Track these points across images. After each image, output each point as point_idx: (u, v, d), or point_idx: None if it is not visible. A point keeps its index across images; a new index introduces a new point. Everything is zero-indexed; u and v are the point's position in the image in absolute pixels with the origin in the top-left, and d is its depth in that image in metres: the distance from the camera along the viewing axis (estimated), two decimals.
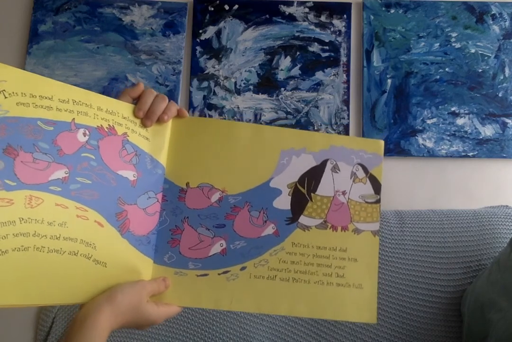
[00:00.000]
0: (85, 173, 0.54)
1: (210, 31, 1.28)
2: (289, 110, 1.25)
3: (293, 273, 0.60)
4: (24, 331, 1.06)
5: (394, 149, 1.22)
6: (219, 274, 0.59)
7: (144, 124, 0.60)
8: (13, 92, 0.50)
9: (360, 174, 0.63)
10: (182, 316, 0.99)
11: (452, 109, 1.24)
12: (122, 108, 0.59)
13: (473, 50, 1.26)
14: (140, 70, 1.26)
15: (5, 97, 0.49)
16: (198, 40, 1.28)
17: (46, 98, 0.52)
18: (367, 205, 0.63)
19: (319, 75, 1.26)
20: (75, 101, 0.54)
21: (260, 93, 1.26)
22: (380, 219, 1.05)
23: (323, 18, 1.28)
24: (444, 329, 0.96)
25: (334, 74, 1.26)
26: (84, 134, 0.55)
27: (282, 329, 0.97)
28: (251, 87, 1.26)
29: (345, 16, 1.28)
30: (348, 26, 1.28)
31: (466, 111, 1.24)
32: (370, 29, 1.27)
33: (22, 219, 0.48)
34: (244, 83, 1.26)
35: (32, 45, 1.26)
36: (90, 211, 0.54)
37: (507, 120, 1.23)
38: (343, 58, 1.27)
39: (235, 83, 1.26)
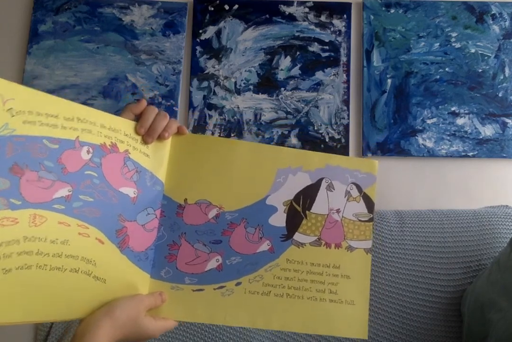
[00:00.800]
0: (87, 190, 0.54)
1: (210, 31, 1.28)
2: (289, 110, 1.25)
3: (287, 289, 0.61)
4: (24, 331, 1.06)
5: (394, 149, 1.22)
6: (214, 289, 0.61)
7: (145, 141, 0.61)
8: (20, 111, 0.50)
9: (354, 192, 0.65)
10: None
11: (452, 109, 1.24)
12: (124, 125, 0.60)
13: (473, 50, 1.26)
14: (140, 70, 1.26)
15: (12, 116, 0.49)
16: (198, 40, 1.28)
17: (52, 116, 0.52)
18: (360, 223, 0.64)
19: (319, 75, 1.26)
20: (80, 119, 0.55)
21: (260, 93, 1.26)
22: (380, 219, 1.05)
23: (323, 18, 1.28)
24: (444, 329, 0.96)
25: (334, 74, 1.26)
26: (88, 152, 0.55)
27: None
28: (251, 87, 1.26)
29: (345, 16, 1.28)
30: (348, 26, 1.28)
31: (466, 111, 1.24)
32: (370, 29, 1.27)
33: (26, 237, 0.49)
34: (244, 83, 1.26)
35: (32, 45, 1.26)
36: (91, 228, 0.54)
37: (507, 120, 1.23)
38: (343, 58, 1.27)
39: (235, 83, 1.26)
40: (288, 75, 1.26)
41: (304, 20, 1.28)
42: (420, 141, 1.23)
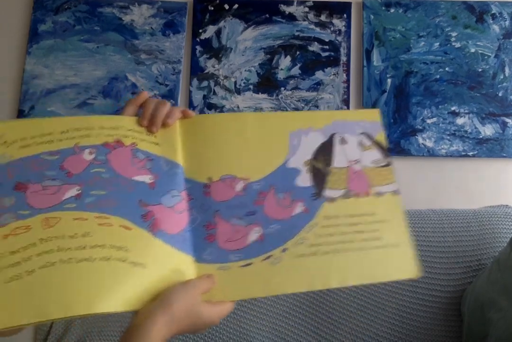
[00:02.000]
0: (98, 185, 0.56)
1: (210, 30, 1.28)
2: (289, 109, 1.25)
3: (332, 245, 0.60)
4: (24, 331, 1.06)
5: (394, 149, 1.22)
6: (262, 260, 0.59)
7: (150, 131, 0.61)
8: (14, 140, 0.55)
9: (366, 142, 0.66)
10: None
11: (452, 108, 1.24)
12: (125, 122, 0.61)
13: (473, 50, 1.26)
14: (140, 69, 1.26)
15: (7, 147, 0.54)
16: (198, 39, 1.28)
17: (46, 135, 0.56)
18: (380, 169, 0.65)
19: (319, 74, 1.26)
20: (76, 128, 0.58)
21: (260, 93, 1.26)
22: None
23: (323, 18, 1.28)
24: (444, 329, 0.96)
25: (334, 74, 1.26)
26: (90, 153, 0.57)
27: (282, 329, 0.97)
28: (251, 86, 1.26)
29: (345, 15, 1.28)
30: (348, 26, 1.28)
31: (466, 111, 1.24)
32: (370, 28, 1.27)
33: (42, 239, 0.50)
34: (244, 83, 1.26)
35: (32, 45, 1.26)
36: (112, 218, 0.54)
37: (507, 119, 1.23)
38: (343, 58, 1.27)
39: (235, 82, 1.26)
40: (288, 75, 1.26)
41: (304, 20, 1.28)
42: (420, 141, 1.23)
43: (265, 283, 0.58)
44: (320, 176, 0.64)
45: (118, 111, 0.64)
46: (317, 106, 1.24)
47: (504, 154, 1.22)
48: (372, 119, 0.67)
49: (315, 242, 0.60)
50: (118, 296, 0.51)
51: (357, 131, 0.67)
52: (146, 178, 0.59)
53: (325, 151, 0.65)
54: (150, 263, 0.54)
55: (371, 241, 0.61)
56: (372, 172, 0.65)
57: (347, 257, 0.60)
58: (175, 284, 0.54)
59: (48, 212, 0.52)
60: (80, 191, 0.54)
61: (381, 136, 0.67)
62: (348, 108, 1.24)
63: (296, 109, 1.24)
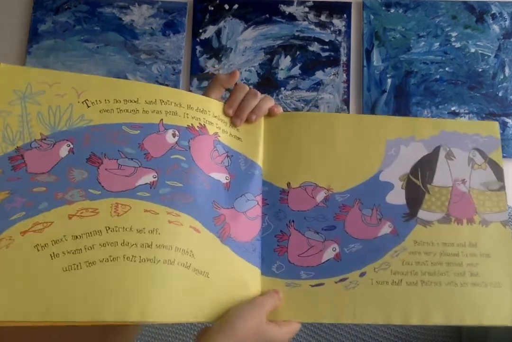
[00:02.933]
0: (175, 175, 0.50)
1: (210, 30, 1.28)
2: (289, 110, 1.25)
3: (420, 275, 0.53)
4: None
5: None
6: (336, 282, 0.52)
7: (233, 124, 0.55)
8: (96, 101, 0.48)
9: (478, 159, 0.57)
10: None
11: (452, 108, 1.24)
12: (212, 106, 0.55)
13: (473, 50, 1.26)
14: (140, 69, 1.26)
15: (88, 106, 0.48)
16: (198, 39, 1.28)
17: (131, 101, 0.50)
18: (491, 193, 0.56)
19: (319, 74, 1.26)
20: (163, 101, 0.51)
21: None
22: None
23: (323, 18, 1.28)
24: (444, 329, 0.96)
25: (334, 74, 1.26)
26: (174, 135, 0.51)
27: None
28: (251, 86, 1.26)
29: (345, 15, 1.28)
30: (348, 26, 1.28)
31: (466, 111, 1.24)
32: (370, 28, 1.27)
33: (109, 228, 0.45)
34: (244, 83, 1.26)
35: (32, 45, 1.26)
36: (183, 216, 0.48)
37: (507, 119, 1.23)
38: (343, 58, 1.27)
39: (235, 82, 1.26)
40: (288, 75, 1.26)
41: (304, 20, 1.28)
42: None
43: (335, 307, 0.52)
44: (416, 194, 0.56)
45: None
46: (317, 107, 1.24)
47: (504, 155, 1.22)
48: (489, 133, 0.58)
49: (400, 269, 0.53)
50: (175, 306, 0.46)
51: (469, 145, 0.57)
52: (222, 177, 0.53)
53: (426, 165, 0.56)
54: (214, 272, 0.49)
55: (466, 277, 0.53)
56: (481, 195, 0.56)
57: (434, 292, 0.53)
58: (241, 303, 0.48)
59: (119, 196, 0.46)
60: (156, 179, 0.48)
61: (497, 154, 0.57)
62: (348, 108, 1.24)
63: (296, 109, 1.25)
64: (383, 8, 1.28)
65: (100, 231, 0.45)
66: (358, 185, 0.56)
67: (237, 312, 0.47)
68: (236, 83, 0.57)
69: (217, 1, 1.29)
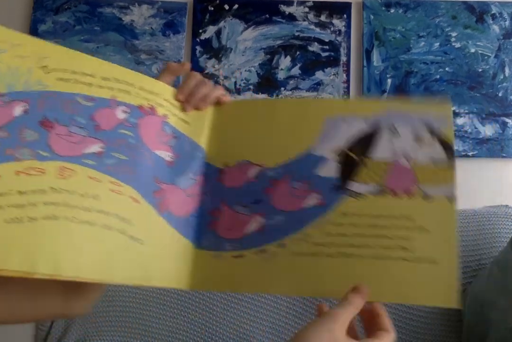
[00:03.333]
0: (121, 149, 0.53)
1: (210, 30, 1.28)
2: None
3: (342, 247, 0.50)
4: (24, 331, 1.06)
5: None
6: (255, 254, 0.53)
7: (183, 109, 0.59)
8: (55, 68, 0.51)
9: (426, 136, 0.54)
10: (181, 315, 0.99)
11: (452, 108, 1.24)
12: (164, 90, 0.58)
13: (473, 50, 1.26)
14: (140, 69, 1.26)
15: (47, 73, 0.50)
16: (198, 39, 1.28)
17: (88, 75, 0.52)
18: (437, 168, 0.52)
19: (319, 74, 1.26)
20: (118, 80, 0.54)
21: (260, 93, 1.26)
22: None
23: (323, 18, 1.28)
24: (444, 329, 0.95)
25: (334, 74, 1.26)
26: (124, 111, 0.54)
27: (282, 329, 0.97)
28: (251, 87, 1.26)
29: (345, 15, 1.28)
30: (348, 26, 1.28)
31: (466, 111, 1.24)
32: (370, 28, 1.27)
33: (53, 188, 0.47)
34: (244, 83, 1.26)
35: None
36: (125, 186, 0.52)
37: (507, 119, 1.23)
38: (343, 58, 1.27)
39: (235, 82, 1.26)
40: (288, 75, 1.26)
41: (304, 20, 1.28)
42: None
43: (252, 279, 0.53)
44: (350, 167, 0.54)
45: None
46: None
47: (504, 154, 1.22)
48: (439, 112, 0.54)
49: (321, 241, 0.51)
50: (108, 267, 0.49)
51: (417, 124, 0.54)
52: (166, 155, 0.56)
53: (366, 140, 0.54)
54: (148, 240, 0.52)
55: (396, 250, 0.50)
56: (425, 169, 0.52)
57: (355, 265, 0.50)
58: (311, 321, 0.45)
59: (66, 161, 0.49)
60: (102, 149, 0.51)
61: (448, 131, 0.53)
62: None
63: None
64: (383, 8, 1.28)
65: (45, 190, 0.47)
66: (290, 160, 0.56)
67: (306, 330, 0.44)
68: (190, 72, 0.60)
69: (217, 1, 1.29)
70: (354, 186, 0.53)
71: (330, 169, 0.54)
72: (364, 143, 0.54)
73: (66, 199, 0.48)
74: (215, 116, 0.60)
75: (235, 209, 0.56)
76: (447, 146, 0.53)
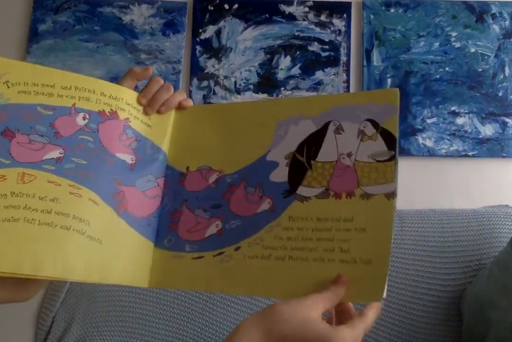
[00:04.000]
0: (81, 153, 0.56)
1: (210, 30, 1.28)
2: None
3: (289, 250, 0.53)
4: (24, 331, 1.06)
5: None
6: (214, 256, 0.56)
7: (146, 112, 0.61)
8: (16, 83, 0.54)
9: (369, 130, 0.53)
10: (181, 315, 0.99)
11: (452, 108, 1.24)
12: (126, 94, 0.60)
13: (473, 50, 1.26)
14: None
15: (8, 87, 0.54)
16: (198, 39, 1.28)
17: (47, 86, 0.56)
18: (378, 164, 0.52)
19: (319, 74, 1.26)
20: (78, 88, 0.57)
21: (260, 93, 1.26)
22: None
23: (323, 18, 1.28)
24: (444, 329, 0.96)
25: (334, 74, 1.26)
26: (84, 118, 0.57)
27: None
28: (251, 86, 1.26)
29: (345, 15, 1.28)
30: (348, 26, 1.28)
31: (466, 111, 1.24)
32: (370, 28, 1.27)
33: (14, 193, 0.51)
34: (244, 83, 1.26)
35: (32, 45, 1.26)
36: (84, 189, 0.54)
37: (507, 119, 1.23)
38: (343, 58, 1.27)
39: (235, 82, 1.26)
40: (288, 75, 1.26)
41: (304, 20, 1.28)
42: (420, 140, 1.23)
43: (209, 279, 0.55)
44: (299, 171, 0.55)
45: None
46: None
47: (504, 154, 1.22)
48: (385, 101, 0.54)
49: (271, 244, 0.54)
50: (68, 265, 0.51)
51: (361, 117, 0.54)
52: (128, 158, 0.59)
53: (313, 142, 0.55)
54: (107, 240, 0.54)
55: (335, 253, 0.51)
56: (366, 167, 0.52)
57: (300, 267, 0.52)
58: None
59: (26, 167, 0.52)
60: (62, 155, 0.55)
61: (392, 122, 0.52)
62: None
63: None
64: (383, 8, 1.28)
65: (6, 195, 0.50)
66: (246, 166, 0.58)
67: (279, 303, 0.46)
68: (152, 76, 0.62)
69: (217, 1, 1.29)
70: (302, 190, 0.54)
71: (281, 175, 0.56)
72: (312, 145, 0.56)
73: (26, 202, 0.51)
74: (176, 120, 0.63)
75: (195, 212, 0.59)
76: (390, 140, 0.52)
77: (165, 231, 0.59)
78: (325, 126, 0.55)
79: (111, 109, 0.58)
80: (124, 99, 0.60)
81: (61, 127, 0.55)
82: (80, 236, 0.53)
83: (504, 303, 0.78)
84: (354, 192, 0.52)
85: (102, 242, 0.54)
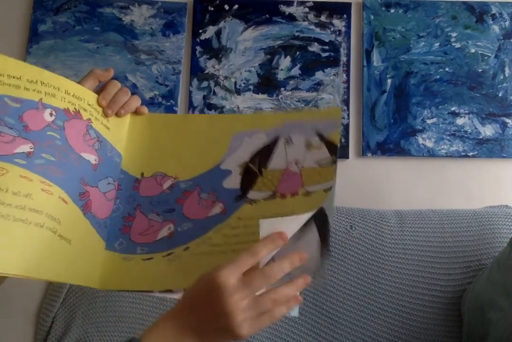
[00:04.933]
0: (49, 150, 0.55)
1: (210, 31, 1.28)
2: (288, 110, 1.25)
3: (233, 245, 0.57)
4: (24, 331, 1.06)
5: (394, 149, 1.22)
6: (163, 257, 0.58)
7: (105, 114, 0.62)
8: None
9: (316, 141, 0.60)
10: None
11: (452, 109, 1.24)
12: (88, 95, 0.61)
13: (473, 50, 1.26)
14: (140, 70, 1.26)
15: None
16: (198, 40, 1.28)
17: (14, 77, 0.54)
18: (321, 169, 0.59)
19: (319, 75, 1.26)
20: (43, 83, 0.56)
21: (260, 93, 1.26)
22: (380, 219, 1.05)
23: (323, 18, 1.28)
24: (444, 329, 0.96)
25: (334, 74, 1.26)
26: (51, 114, 0.56)
27: (282, 329, 0.97)
28: (251, 87, 1.26)
29: (345, 16, 1.28)
30: (348, 26, 1.28)
31: (466, 111, 1.24)
32: (370, 29, 1.27)
33: None
34: (244, 83, 1.26)
35: (32, 45, 1.26)
36: (54, 187, 0.54)
37: (507, 120, 1.23)
38: (343, 58, 1.27)
39: (235, 83, 1.26)
40: (288, 75, 1.26)
41: (304, 20, 1.28)
42: (420, 141, 1.23)
43: (155, 277, 0.57)
44: (251, 178, 0.61)
45: None
46: (317, 107, 1.24)
47: (504, 155, 1.22)
48: (330, 118, 0.61)
49: (217, 241, 0.58)
50: (36, 263, 0.50)
51: (309, 131, 0.61)
52: (92, 158, 0.59)
53: (264, 153, 0.62)
54: (75, 241, 0.55)
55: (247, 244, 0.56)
56: (311, 172, 0.59)
57: (227, 259, 0.54)
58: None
59: None
60: (32, 149, 0.53)
61: (335, 135, 0.60)
62: (348, 108, 1.24)
63: (297, 109, 1.24)
64: (383, 8, 1.28)
65: None
66: (201, 174, 0.62)
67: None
68: (111, 79, 0.63)
69: (217, 2, 1.29)
70: (252, 194, 0.60)
71: (234, 182, 0.61)
72: (264, 155, 0.62)
73: (0, 197, 0.49)
74: (132, 126, 0.64)
75: (149, 216, 0.61)
76: (332, 148, 0.59)
77: (117, 234, 0.60)
78: (276, 139, 0.62)
79: (74, 108, 0.59)
80: (86, 99, 0.61)
81: (30, 121, 0.54)
82: (52, 234, 0.52)
83: (504, 303, 0.78)
84: (298, 191, 0.58)
85: (71, 242, 0.54)
